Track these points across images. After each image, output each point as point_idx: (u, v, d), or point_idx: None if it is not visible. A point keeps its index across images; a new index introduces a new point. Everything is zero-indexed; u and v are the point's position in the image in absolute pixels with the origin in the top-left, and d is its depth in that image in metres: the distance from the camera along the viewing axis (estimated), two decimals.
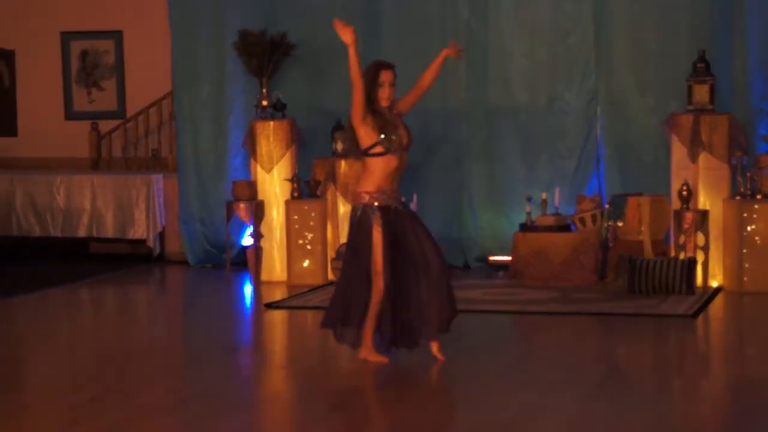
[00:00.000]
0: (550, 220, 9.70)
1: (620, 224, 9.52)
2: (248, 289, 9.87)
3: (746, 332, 8.17)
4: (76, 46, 12.48)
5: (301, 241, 9.84)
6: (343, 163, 9.98)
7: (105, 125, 12.18)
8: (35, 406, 6.25)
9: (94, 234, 11.33)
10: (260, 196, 10.19)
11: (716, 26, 9.70)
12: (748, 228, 9.08)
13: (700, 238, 9.25)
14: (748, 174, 9.21)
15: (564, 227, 9.69)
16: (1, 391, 6.51)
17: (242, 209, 10.09)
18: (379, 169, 6.81)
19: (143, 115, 11.99)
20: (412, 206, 9.99)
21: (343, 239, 9.90)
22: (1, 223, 11.44)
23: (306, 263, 9.85)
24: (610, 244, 9.50)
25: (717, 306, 8.67)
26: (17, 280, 10.16)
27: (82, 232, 11.33)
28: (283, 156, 10.14)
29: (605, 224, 9.58)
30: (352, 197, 6.99)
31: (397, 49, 10.33)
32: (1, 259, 11.11)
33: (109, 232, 11.26)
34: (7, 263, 11.05)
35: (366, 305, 6.79)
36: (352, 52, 6.69)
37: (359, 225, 6.82)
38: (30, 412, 6.15)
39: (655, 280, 8.93)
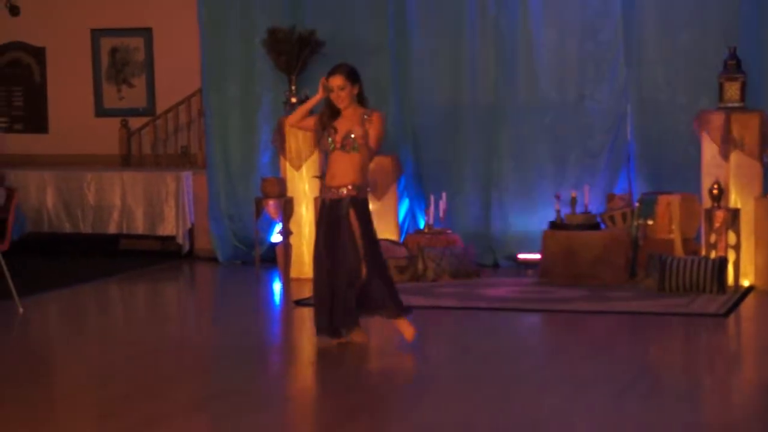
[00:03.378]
0: (579, 219, 9.66)
1: (650, 223, 9.47)
2: (277, 286, 9.88)
3: None
4: (106, 44, 12.54)
5: None
6: None
7: (135, 122, 12.24)
8: (65, 401, 6.28)
9: (124, 230, 11.38)
10: (289, 193, 10.19)
11: (747, 23, 9.63)
12: None
13: (732, 237, 9.18)
14: None
15: (594, 225, 9.65)
16: (31, 386, 6.55)
17: (271, 206, 10.10)
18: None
19: (173, 112, 12.03)
20: (441, 204, 9.99)
21: None
22: (32, 220, 11.50)
23: None
24: (641, 243, 9.45)
25: (748, 305, 8.61)
26: (48, 277, 10.21)
27: (112, 229, 11.39)
28: (312, 153, 10.14)
29: (635, 223, 9.53)
30: None
31: (425, 47, 10.34)
32: (32, 256, 11.17)
33: (139, 228, 11.31)
34: (38, 259, 11.11)
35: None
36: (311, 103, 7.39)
37: None
38: (60, 406, 6.18)
39: (685, 279, 8.88)
